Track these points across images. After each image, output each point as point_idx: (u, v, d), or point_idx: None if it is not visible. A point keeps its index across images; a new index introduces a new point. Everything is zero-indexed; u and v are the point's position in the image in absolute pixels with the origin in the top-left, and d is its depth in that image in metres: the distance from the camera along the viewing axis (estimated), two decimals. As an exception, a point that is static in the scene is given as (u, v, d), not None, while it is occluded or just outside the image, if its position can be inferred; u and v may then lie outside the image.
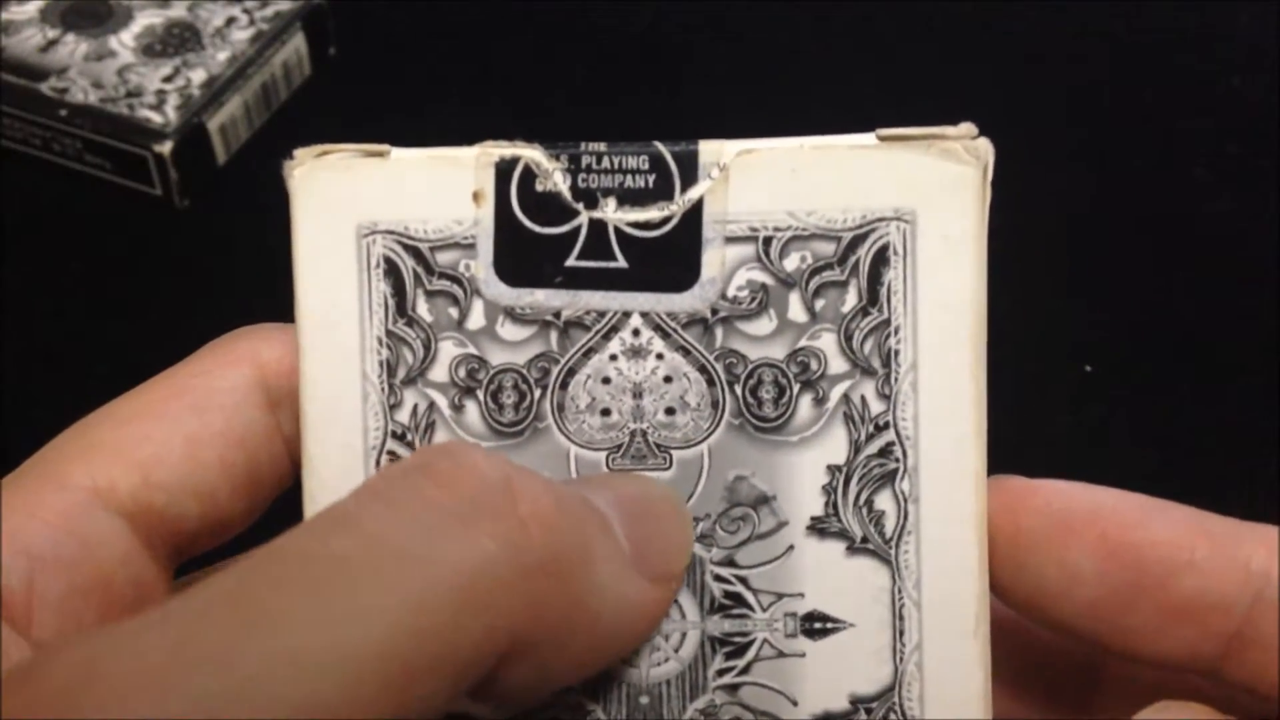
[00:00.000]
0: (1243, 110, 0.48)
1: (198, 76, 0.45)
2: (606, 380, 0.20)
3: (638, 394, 0.20)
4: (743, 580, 0.20)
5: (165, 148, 0.44)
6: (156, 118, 0.44)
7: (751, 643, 0.20)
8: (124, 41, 0.47)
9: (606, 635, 0.18)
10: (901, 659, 0.20)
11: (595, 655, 0.18)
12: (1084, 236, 0.44)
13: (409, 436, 0.20)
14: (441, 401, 0.20)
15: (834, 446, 0.20)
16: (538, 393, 0.20)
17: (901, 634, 0.20)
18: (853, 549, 0.20)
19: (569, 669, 0.18)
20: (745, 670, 0.20)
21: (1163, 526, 0.19)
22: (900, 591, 0.20)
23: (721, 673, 0.20)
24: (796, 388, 0.20)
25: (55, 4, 0.48)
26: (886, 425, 0.20)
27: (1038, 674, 0.22)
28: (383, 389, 0.20)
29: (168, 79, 0.45)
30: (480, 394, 0.20)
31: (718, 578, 0.20)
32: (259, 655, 0.14)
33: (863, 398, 0.20)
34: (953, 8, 0.51)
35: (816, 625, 0.20)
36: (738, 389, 0.20)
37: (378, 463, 0.20)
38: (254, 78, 0.46)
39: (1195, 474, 0.38)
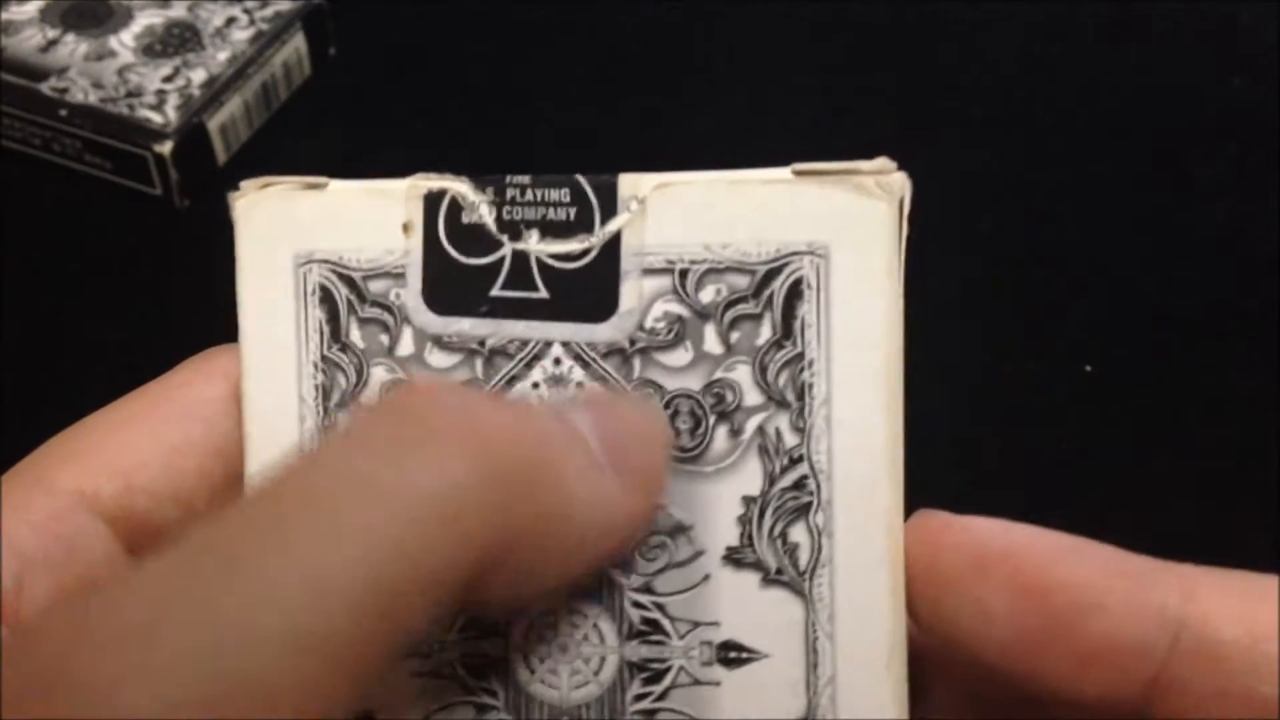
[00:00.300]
0: (1243, 110, 0.48)
1: (198, 76, 0.46)
2: (538, 400, 0.20)
3: None
4: (660, 607, 0.20)
5: (165, 148, 0.44)
6: (156, 118, 0.44)
7: (668, 670, 0.20)
8: (124, 41, 0.47)
9: (584, 537, 0.18)
10: (815, 691, 0.20)
11: (577, 556, 0.18)
12: (1084, 236, 0.44)
13: None
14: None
15: (749, 478, 0.20)
16: None
17: (815, 666, 0.20)
18: (768, 580, 0.20)
19: (553, 571, 0.18)
20: (662, 697, 0.20)
21: (1076, 568, 0.19)
22: (814, 624, 0.20)
23: (639, 698, 0.20)
24: (712, 419, 0.20)
25: (55, 4, 0.48)
26: (800, 459, 0.20)
27: (988, 692, 0.22)
28: (318, 411, 0.20)
29: (168, 79, 0.45)
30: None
31: (636, 604, 0.20)
32: (240, 596, 0.15)
33: (777, 430, 0.20)
34: (954, 8, 0.51)
35: (732, 655, 0.20)
36: None
37: None
38: (254, 78, 0.46)
39: (1195, 474, 0.38)
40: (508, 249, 0.20)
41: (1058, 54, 0.50)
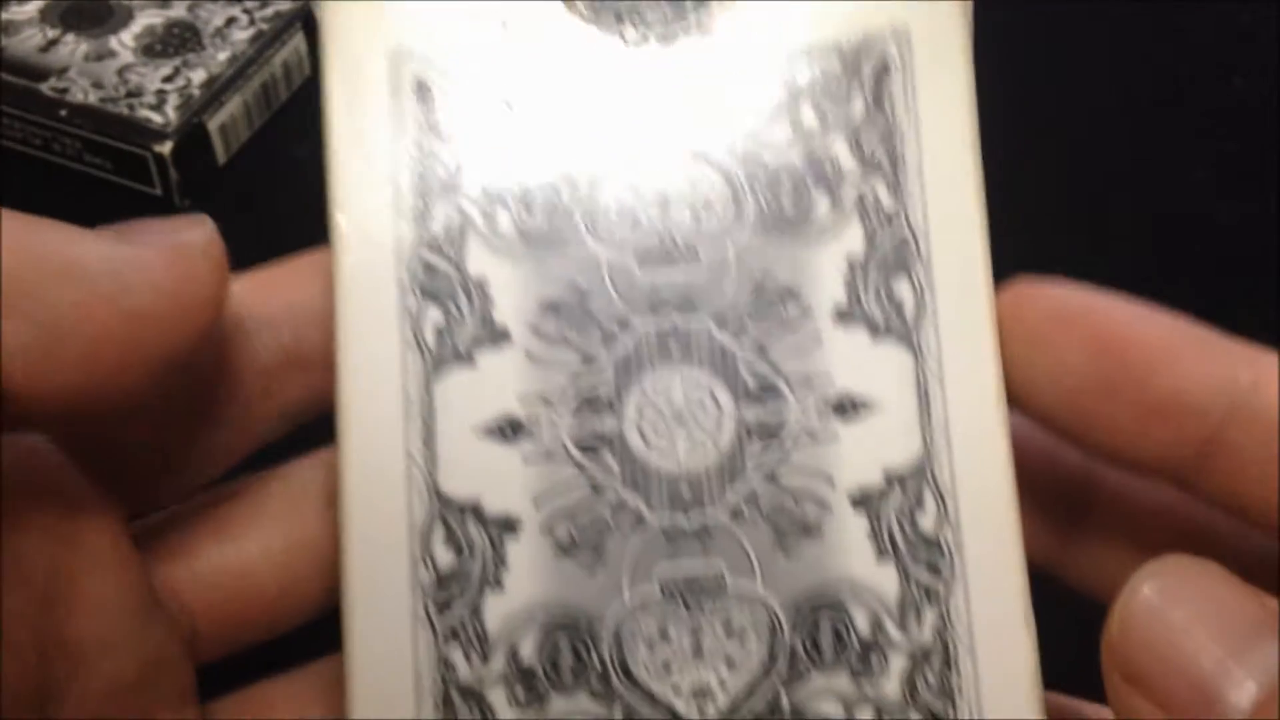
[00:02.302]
0: (1243, 110, 0.48)
1: (198, 76, 0.46)
2: (633, 187, 0.21)
3: (664, 199, 0.21)
4: (775, 368, 0.20)
5: (165, 148, 0.44)
6: (156, 118, 0.44)
7: (786, 428, 0.20)
8: (124, 41, 0.47)
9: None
10: (930, 434, 0.20)
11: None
12: (1083, 236, 0.44)
13: (444, 248, 0.20)
14: (474, 212, 0.21)
15: (852, 240, 0.21)
16: (568, 201, 0.21)
17: (928, 410, 0.21)
18: (876, 334, 0.21)
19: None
20: (782, 455, 0.20)
21: (1152, 328, 0.20)
22: (924, 372, 0.21)
23: (759, 459, 0.20)
24: (814, 189, 0.21)
25: (55, 4, 0.48)
26: (898, 218, 0.21)
27: (1030, 495, 0.23)
28: (415, 200, 0.21)
29: (168, 79, 0.45)
30: (511, 204, 0.21)
31: (750, 368, 0.20)
32: None
33: (875, 194, 0.21)
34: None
35: (847, 408, 0.20)
36: (759, 190, 0.21)
37: (410, 272, 0.20)
38: (254, 78, 0.46)
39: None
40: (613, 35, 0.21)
41: (1057, 54, 0.50)
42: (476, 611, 0.20)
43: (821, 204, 0.21)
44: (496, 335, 0.20)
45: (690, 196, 0.21)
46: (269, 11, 0.48)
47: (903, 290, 0.21)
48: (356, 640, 0.20)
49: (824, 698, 0.20)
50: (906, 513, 0.20)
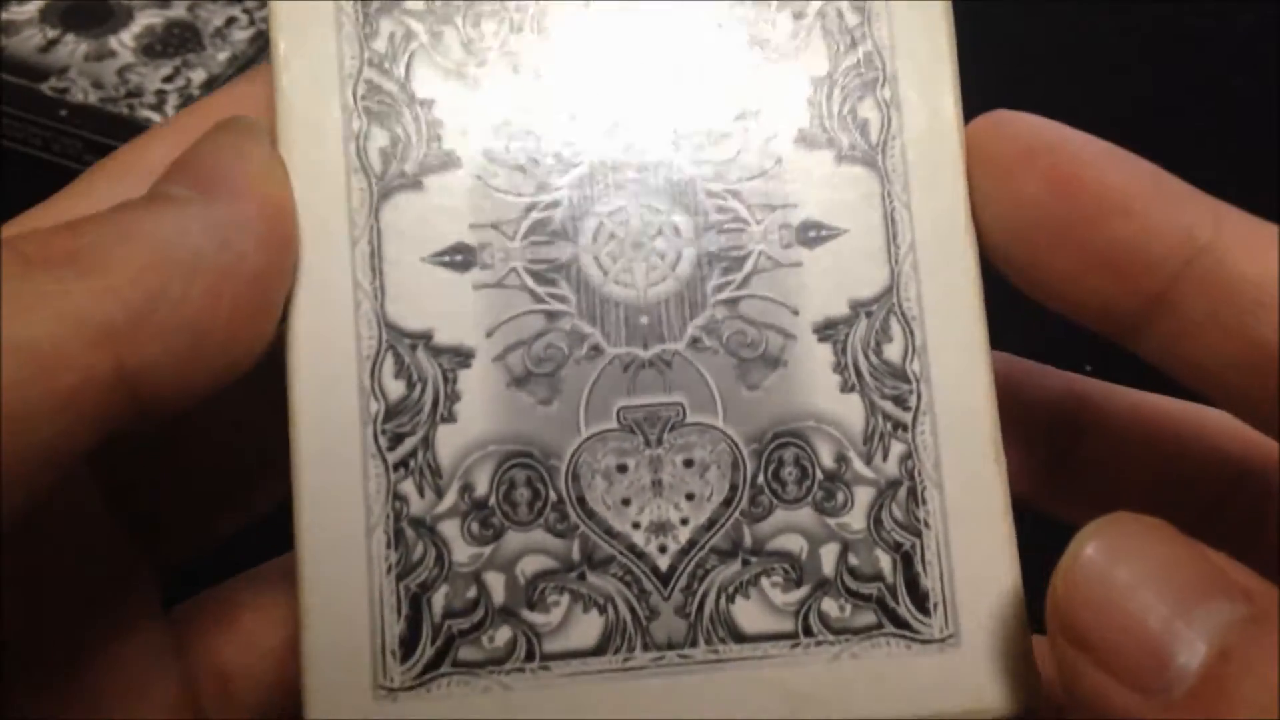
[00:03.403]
0: (1243, 110, 0.48)
1: (198, 76, 0.46)
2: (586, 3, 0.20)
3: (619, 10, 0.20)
4: (735, 194, 0.20)
5: (165, 148, 0.44)
6: (156, 118, 0.44)
7: (748, 256, 0.20)
8: (124, 41, 0.47)
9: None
10: (897, 261, 0.20)
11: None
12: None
13: (388, 67, 0.20)
14: (419, 29, 0.20)
15: (815, 59, 0.20)
16: (518, 18, 0.20)
17: (895, 236, 0.20)
18: (840, 157, 0.20)
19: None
20: (743, 284, 0.20)
21: (1115, 173, 0.18)
22: (890, 195, 0.20)
23: (720, 288, 0.20)
24: (775, 4, 0.20)
25: (55, 4, 0.48)
26: (863, 37, 0.20)
27: (1019, 426, 0.22)
28: (357, 15, 0.20)
29: (168, 79, 0.45)
30: (459, 22, 0.20)
31: (710, 194, 0.20)
32: None
33: (839, 10, 0.20)
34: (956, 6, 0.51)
35: (811, 233, 0.20)
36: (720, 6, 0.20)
37: (354, 93, 0.20)
38: (254, 78, 0.46)
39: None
40: None
41: (1057, 54, 0.50)
42: (428, 444, 0.19)
43: (783, 21, 0.20)
44: (446, 159, 0.20)
45: (650, 6, 0.20)
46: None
47: (869, 113, 0.20)
48: (305, 473, 0.19)
49: (787, 532, 0.20)
50: (872, 342, 0.20)
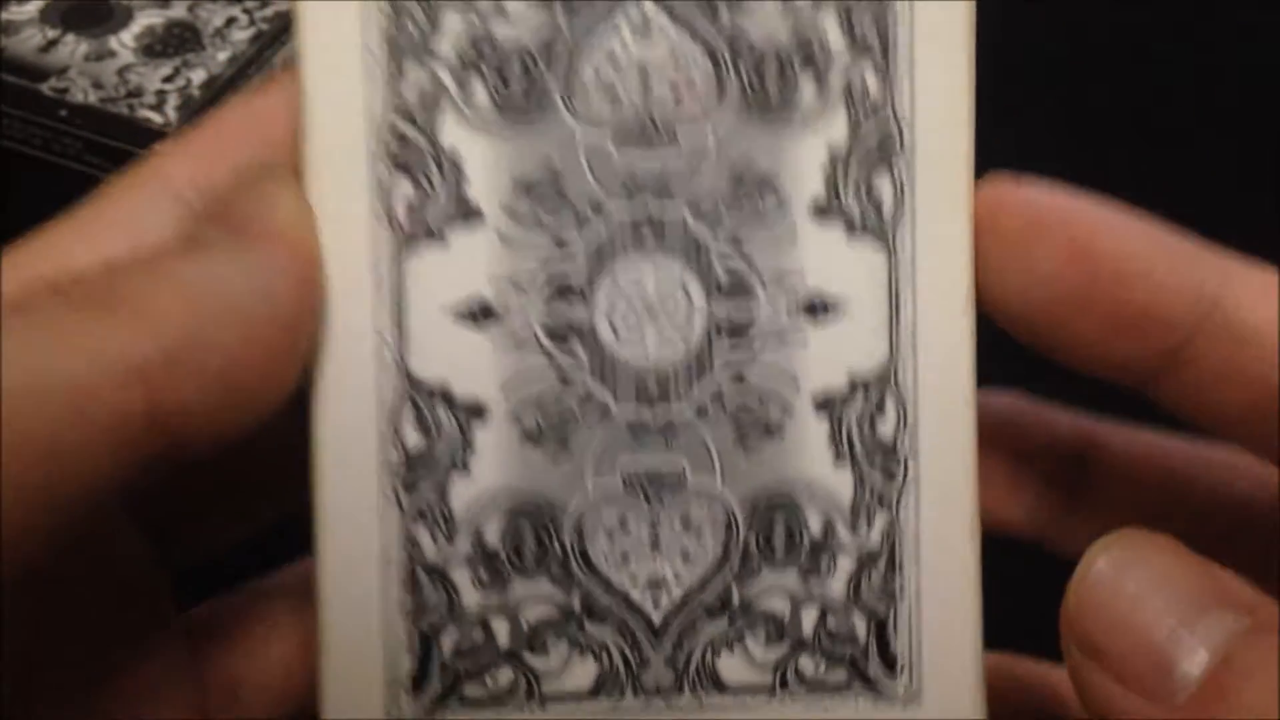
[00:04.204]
0: (1243, 110, 0.48)
1: (198, 76, 0.46)
2: (613, 59, 0.20)
3: (644, 74, 0.20)
4: (747, 261, 0.20)
5: (165, 148, 0.44)
6: (156, 118, 0.44)
7: (756, 324, 0.20)
8: (124, 41, 0.47)
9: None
10: (897, 337, 0.20)
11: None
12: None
13: (416, 117, 0.20)
14: (448, 79, 0.20)
15: (834, 128, 0.20)
16: (546, 72, 0.20)
17: (897, 312, 0.20)
18: (851, 229, 0.20)
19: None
20: (750, 352, 0.20)
21: (1126, 238, 0.19)
22: (896, 271, 0.20)
23: (727, 357, 0.20)
24: (800, 70, 0.20)
25: (55, 4, 0.48)
26: (884, 105, 0.20)
27: (1029, 466, 0.23)
28: (387, 67, 0.20)
29: (168, 79, 0.46)
30: (486, 72, 0.20)
31: (724, 262, 0.20)
32: None
33: (863, 79, 0.20)
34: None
35: (817, 305, 0.20)
36: (744, 70, 0.20)
37: (381, 142, 0.20)
38: (254, 78, 0.46)
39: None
40: None
41: (1057, 55, 0.50)
42: (443, 493, 0.20)
43: (807, 89, 0.20)
44: (469, 213, 0.20)
45: (672, 72, 0.20)
46: (269, 11, 0.48)
47: (883, 186, 0.20)
48: (325, 516, 0.20)
49: (773, 594, 0.20)
50: (867, 418, 0.20)
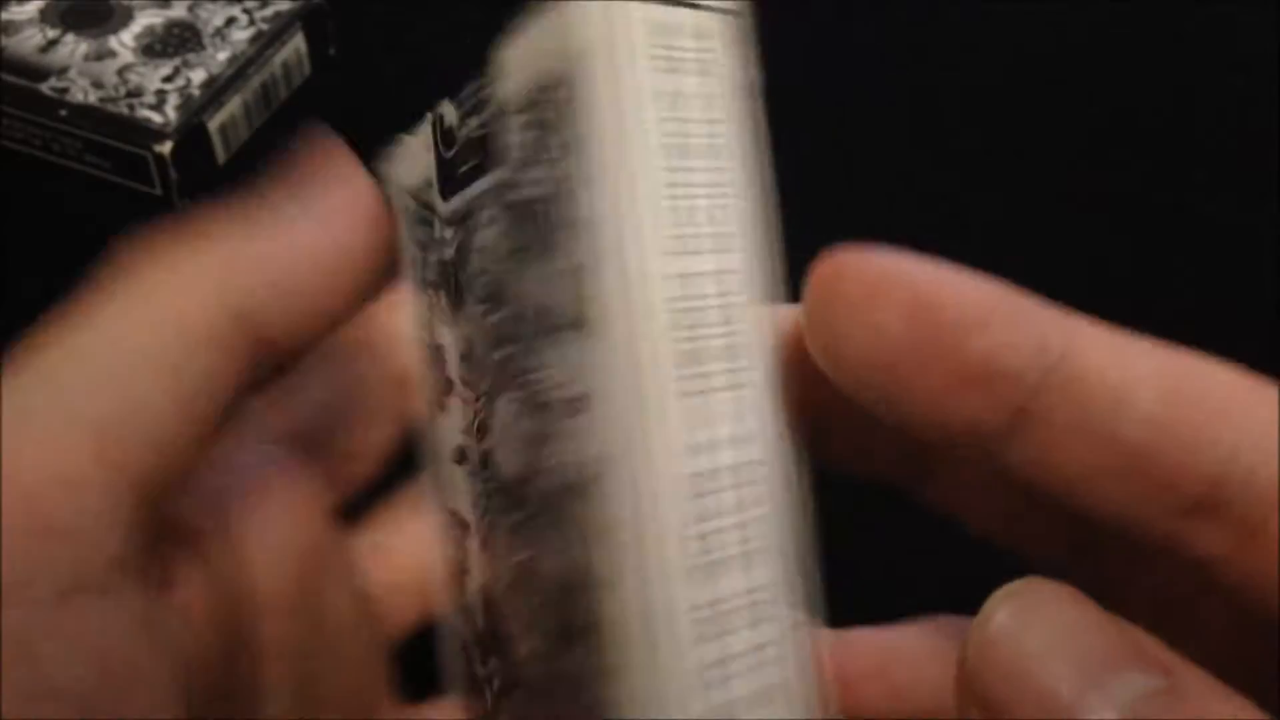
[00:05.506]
0: (1243, 110, 0.48)
1: (198, 76, 0.46)
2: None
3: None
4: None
5: (165, 148, 0.44)
6: (156, 118, 0.44)
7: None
8: (124, 41, 0.47)
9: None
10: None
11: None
12: (1083, 236, 0.44)
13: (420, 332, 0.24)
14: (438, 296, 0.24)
15: None
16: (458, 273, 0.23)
17: None
18: None
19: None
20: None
21: (969, 291, 0.19)
22: None
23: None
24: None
25: (55, 4, 0.48)
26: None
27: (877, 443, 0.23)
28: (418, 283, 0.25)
29: (168, 79, 0.45)
30: (452, 280, 0.23)
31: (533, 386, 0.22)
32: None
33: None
34: (959, 6, 0.51)
35: None
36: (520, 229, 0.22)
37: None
38: (254, 78, 0.46)
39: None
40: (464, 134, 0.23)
41: (1056, 54, 0.50)
42: None
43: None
44: (450, 386, 0.23)
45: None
46: (269, 11, 0.48)
47: None
48: None
49: None
50: None
